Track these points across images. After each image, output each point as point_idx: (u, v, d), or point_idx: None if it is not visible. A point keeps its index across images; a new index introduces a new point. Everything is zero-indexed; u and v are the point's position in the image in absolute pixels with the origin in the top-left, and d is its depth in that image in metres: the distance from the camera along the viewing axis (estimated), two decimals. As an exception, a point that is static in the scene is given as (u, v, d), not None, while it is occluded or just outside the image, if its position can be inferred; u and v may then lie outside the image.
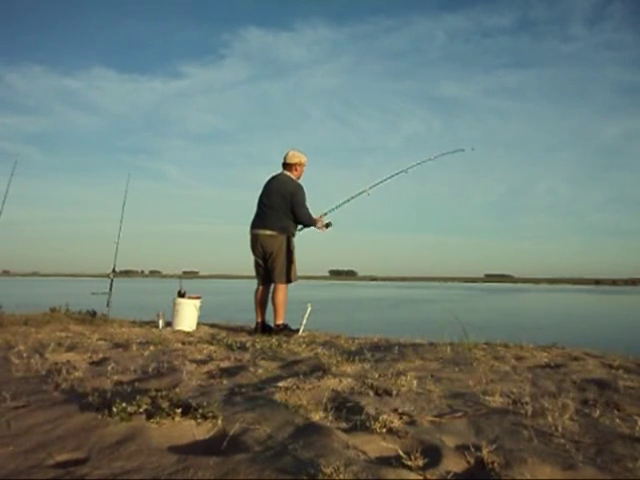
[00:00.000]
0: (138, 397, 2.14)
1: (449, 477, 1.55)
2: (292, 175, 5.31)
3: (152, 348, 3.82)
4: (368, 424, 1.95)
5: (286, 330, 5.07)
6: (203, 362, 3.32)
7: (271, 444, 1.77)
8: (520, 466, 1.59)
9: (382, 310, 22.10)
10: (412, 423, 2.03)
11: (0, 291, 27.17)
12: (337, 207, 5.61)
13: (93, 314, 5.88)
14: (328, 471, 1.49)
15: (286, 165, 5.35)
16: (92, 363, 3.30)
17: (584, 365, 3.28)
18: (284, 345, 4.02)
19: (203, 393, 2.48)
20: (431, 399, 2.40)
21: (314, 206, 5.34)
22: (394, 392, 2.47)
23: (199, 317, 5.37)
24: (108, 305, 6.04)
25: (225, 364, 3.27)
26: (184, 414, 2.00)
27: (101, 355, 3.53)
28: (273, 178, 5.36)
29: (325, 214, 5.49)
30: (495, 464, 1.61)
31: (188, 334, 4.88)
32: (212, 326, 5.61)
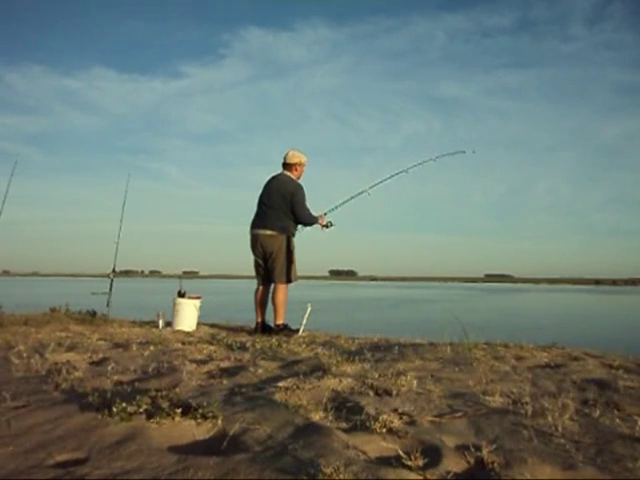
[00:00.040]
0: (138, 397, 2.14)
1: (449, 477, 1.55)
2: (292, 175, 5.31)
3: (152, 348, 3.82)
4: (368, 424, 1.95)
5: (286, 330, 5.07)
6: (203, 362, 3.32)
7: (271, 444, 1.77)
8: (520, 466, 1.59)
9: (382, 310, 22.10)
10: (412, 423, 2.03)
11: (0, 291, 27.17)
12: (337, 207, 5.62)
13: (93, 314, 5.88)
14: (328, 471, 1.49)
15: (286, 165, 5.35)
16: (92, 363, 3.29)
17: (584, 365, 3.27)
18: (284, 345, 4.02)
19: (203, 393, 2.48)
20: (431, 399, 2.40)
21: (314, 206, 5.35)
22: (394, 392, 2.47)
23: (199, 317, 5.37)
24: (108, 305, 6.04)
25: (225, 364, 3.27)
26: (184, 414, 2.00)
27: (101, 355, 3.53)
28: (273, 178, 5.36)
29: (325, 214, 5.50)
30: (495, 464, 1.61)
31: (188, 334, 4.88)
32: (212, 326, 5.61)
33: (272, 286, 5.27)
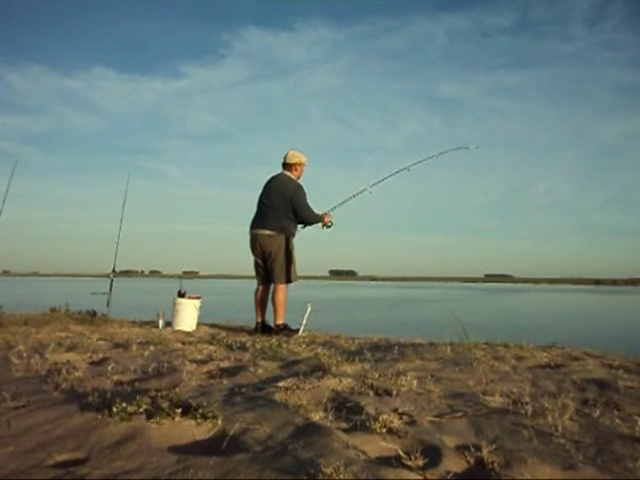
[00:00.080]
0: (138, 397, 2.14)
1: (449, 477, 1.55)
2: (292, 175, 5.31)
3: (152, 348, 3.81)
4: (368, 424, 1.95)
5: (286, 330, 5.07)
6: (203, 362, 3.32)
7: (271, 444, 1.77)
8: (520, 466, 1.59)
9: (382, 310, 22.10)
10: (412, 423, 2.03)
11: (0, 291, 27.17)
12: (338, 205, 5.62)
13: (93, 314, 5.88)
14: (328, 471, 1.49)
15: (286, 165, 5.35)
16: (92, 363, 3.29)
17: (584, 365, 3.27)
18: (284, 345, 4.02)
19: (203, 393, 2.48)
20: (431, 399, 2.40)
21: (314, 206, 5.33)
22: (394, 392, 2.47)
23: (199, 317, 5.37)
24: (108, 305, 6.04)
25: (225, 364, 3.27)
26: (184, 414, 2.00)
27: (101, 355, 3.53)
28: (273, 178, 5.36)
29: (332, 209, 5.49)
30: (495, 464, 1.61)
31: (188, 334, 4.88)
32: (212, 326, 5.61)
33: (272, 286, 5.27)
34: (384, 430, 1.90)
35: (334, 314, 16.50)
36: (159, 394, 2.22)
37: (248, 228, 5.34)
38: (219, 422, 1.96)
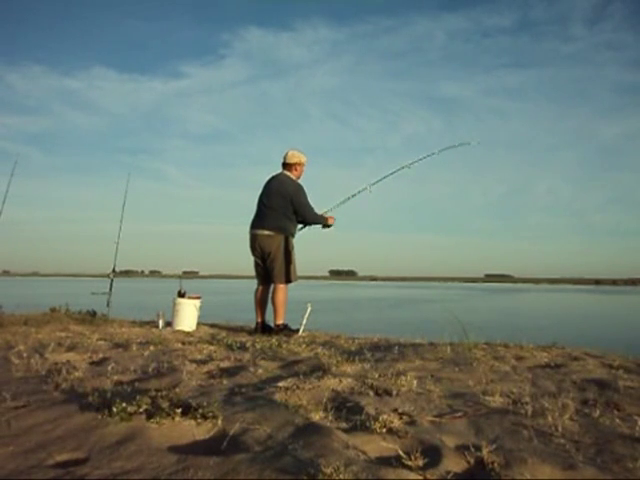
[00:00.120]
0: (138, 397, 2.14)
1: (449, 477, 1.55)
2: (292, 175, 5.31)
3: (152, 348, 3.81)
4: (368, 424, 1.95)
5: (286, 330, 5.07)
6: (203, 362, 3.32)
7: (271, 444, 1.77)
8: (520, 466, 1.59)
9: (382, 310, 22.10)
10: (412, 423, 2.03)
11: (0, 291, 27.16)
12: (339, 205, 5.61)
13: (93, 314, 5.88)
14: (328, 471, 1.49)
15: (286, 165, 5.34)
16: (92, 363, 3.29)
17: (584, 365, 3.27)
18: (284, 345, 4.02)
19: (203, 393, 2.48)
20: (431, 399, 2.40)
21: (314, 206, 5.33)
22: (394, 392, 2.47)
23: (199, 317, 5.37)
24: (108, 305, 6.04)
25: (225, 364, 3.27)
26: (184, 414, 2.00)
27: (101, 355, 3.53)
28: (273, 178, 5.36)
29: (326, 212, 5.49)
30: (495, 464, 1.61)
31: (188, 334, 4.88)
32: (212, 326, 5.61)
33: (272, 286, 5.27)
34: (384, 430, 1.90)
35: (334, 314, 16.49)
36: (159, 394, 2.22)
37: (248, 228, 5.34)
38: (219, 422, 1.96)
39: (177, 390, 2.45)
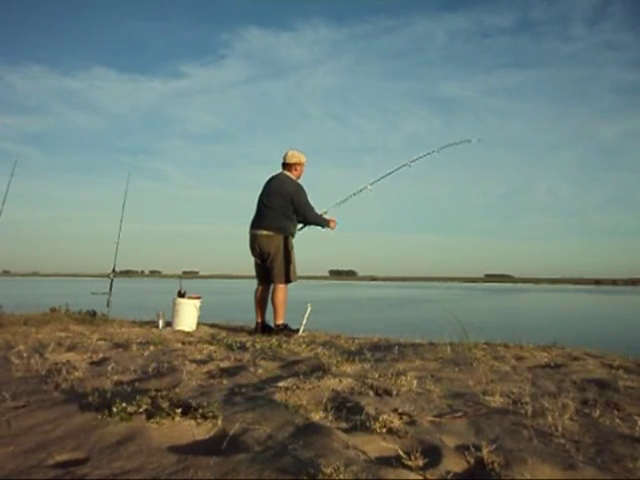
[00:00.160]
0: (138, 397, 2.14)
1: (449, 477, 1.55)
2: (292, 175, 5.31)
3: (152, 348, 3.81)
4: (368, 424, 1.95)
5: (286, 330, 5.07)
6: (203, 362, 3.32)
7: (271, 444, 1.77)
8: (520, 466, 1.59)
9: (382, 310, 22.09)
10: (412, 423, 2.03)
11: (0, 291, 27.16)
12: (339, 203, 5.61)
13: (93, 314, 5.88)
14: (328, 471, 1.49)
15: (285, 165, 5.34)
16: (92, 363, 3.29)
17: (584, 365, 3.27)
18: (284, 345, 4.02)
19: (203, 393, 2.48)
20: (431, 399, 2.40)
21: (314, 206, 5.33)
22: (394, 392, 2.47)
23: (199, 317, 5.37)
24: (108, 305, 6.04)
25: (225, 364, 3.27)
26: (184, 414, 2.00)
27: (101, 355, 3.53)
28: (273, 178, 5.36)
29: (325, 212, 5.49)
30: (495, 464, 1.61)
31: (188, 334, 4.88)
32: (212, 326, 5.61)
33: (272, 286, 5.27)
34: (384, 430, 1.90)
35: (334, 314, 16.49)
36: (159, 394, 2.22)
37: (248, 228, 5.34)
38: (219, 422, 1.96)
39: (177, 390, 2.45)
